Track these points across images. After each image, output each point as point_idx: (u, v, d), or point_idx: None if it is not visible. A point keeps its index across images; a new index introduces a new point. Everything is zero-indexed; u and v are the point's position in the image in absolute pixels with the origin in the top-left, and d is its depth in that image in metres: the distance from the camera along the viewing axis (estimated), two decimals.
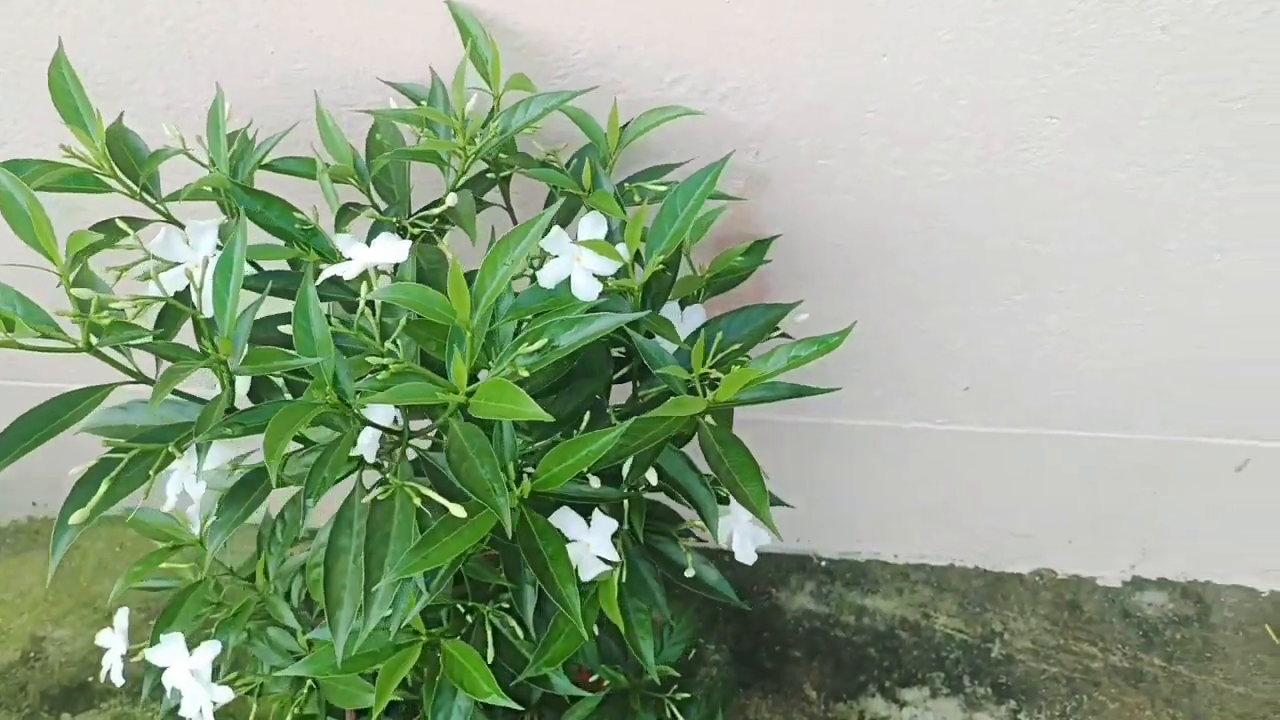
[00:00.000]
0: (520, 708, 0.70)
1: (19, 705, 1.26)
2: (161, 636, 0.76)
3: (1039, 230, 0.90)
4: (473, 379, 0.57)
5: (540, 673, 0.73)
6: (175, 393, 0.61)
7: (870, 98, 0.81)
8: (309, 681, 0.82)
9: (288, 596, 0.88)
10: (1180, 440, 1.09)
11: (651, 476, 0.72)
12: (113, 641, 0.84)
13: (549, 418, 0.52)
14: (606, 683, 0.96)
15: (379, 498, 0.60)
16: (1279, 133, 0.80)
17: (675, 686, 1.00)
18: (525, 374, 0.57)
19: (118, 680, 0.83)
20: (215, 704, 0.76)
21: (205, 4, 0.78)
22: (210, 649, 0.76)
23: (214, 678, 0.77)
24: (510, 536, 0.58)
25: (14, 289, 0.56)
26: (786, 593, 1.33)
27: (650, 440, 0.65)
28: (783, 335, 0.80)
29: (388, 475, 0.62)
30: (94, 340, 0.56)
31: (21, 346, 0.55)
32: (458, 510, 0.59)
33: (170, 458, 0.59)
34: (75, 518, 0.57)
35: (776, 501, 0.77)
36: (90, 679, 1.28)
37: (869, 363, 1.05)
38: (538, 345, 0.57)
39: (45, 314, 0.56)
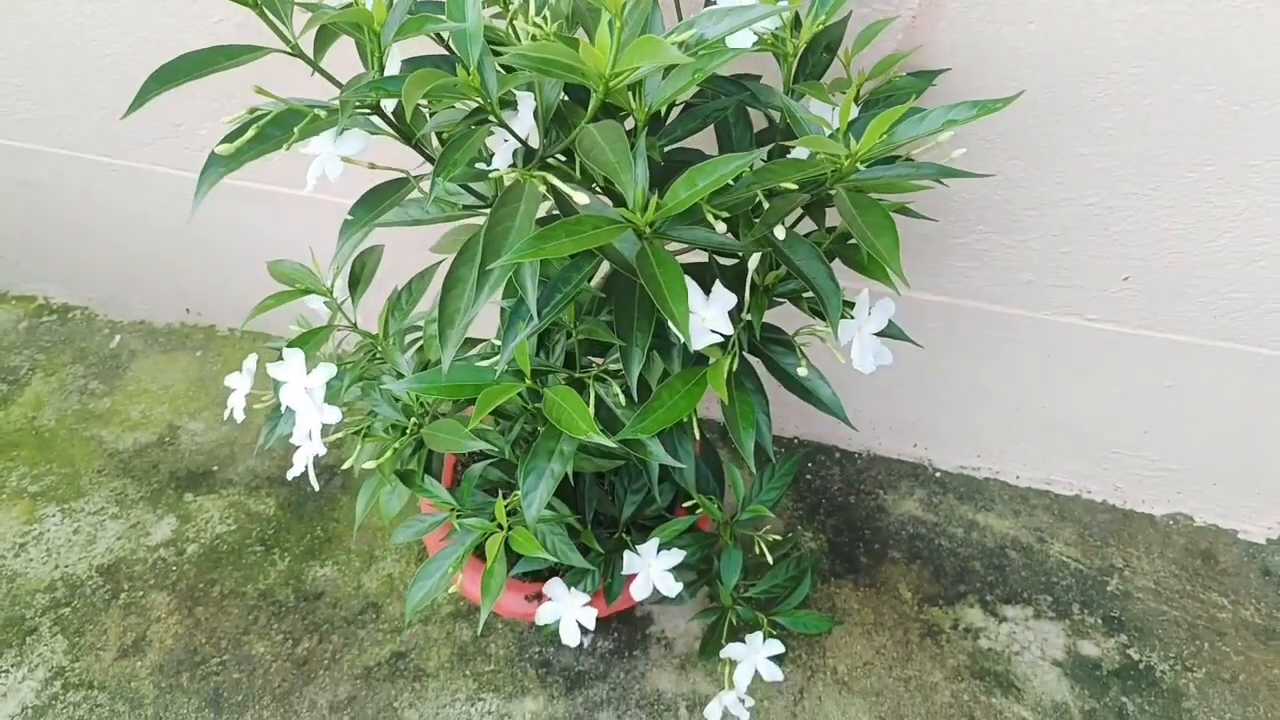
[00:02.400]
0: (612, 442, 0.69)
1: (150, 480, 1.34)
2: (285, 352, 0.78)
3: (1244, 90, 0.82)
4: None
5: (637, 436, 0.72)
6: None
7: None
8: (411, 427, 0.83)
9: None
10: None
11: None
12: (239, 383, 0.88)
13: (683, 59, 0.50)
14: (700, 510, 0.94)
15: (506, 184, 0.60)
16: None
17: (768, 527, 0.97)
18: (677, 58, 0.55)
19: (239, 417, 0.87)
20: (326, 425, 0.78)
21: None
22: (326, 369, 0.78)
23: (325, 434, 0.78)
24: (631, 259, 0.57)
25: None
26: (894, 496, 1.28)
27: (780, 178, 0.62)
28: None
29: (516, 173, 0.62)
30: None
31: None
32: (581, 197, 0.58)
33: (317, 119, 0.61)
34: (222, 149, 0.59)
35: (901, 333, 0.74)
36: (215, 468, 1.36)
37: (1022, 234, 0.99)
38: (685, 35, 0.56)
39: None
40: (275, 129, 0.61)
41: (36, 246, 1.51)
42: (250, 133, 0.60)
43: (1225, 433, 1.11)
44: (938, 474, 1.30)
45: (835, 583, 1.20)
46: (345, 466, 0.85)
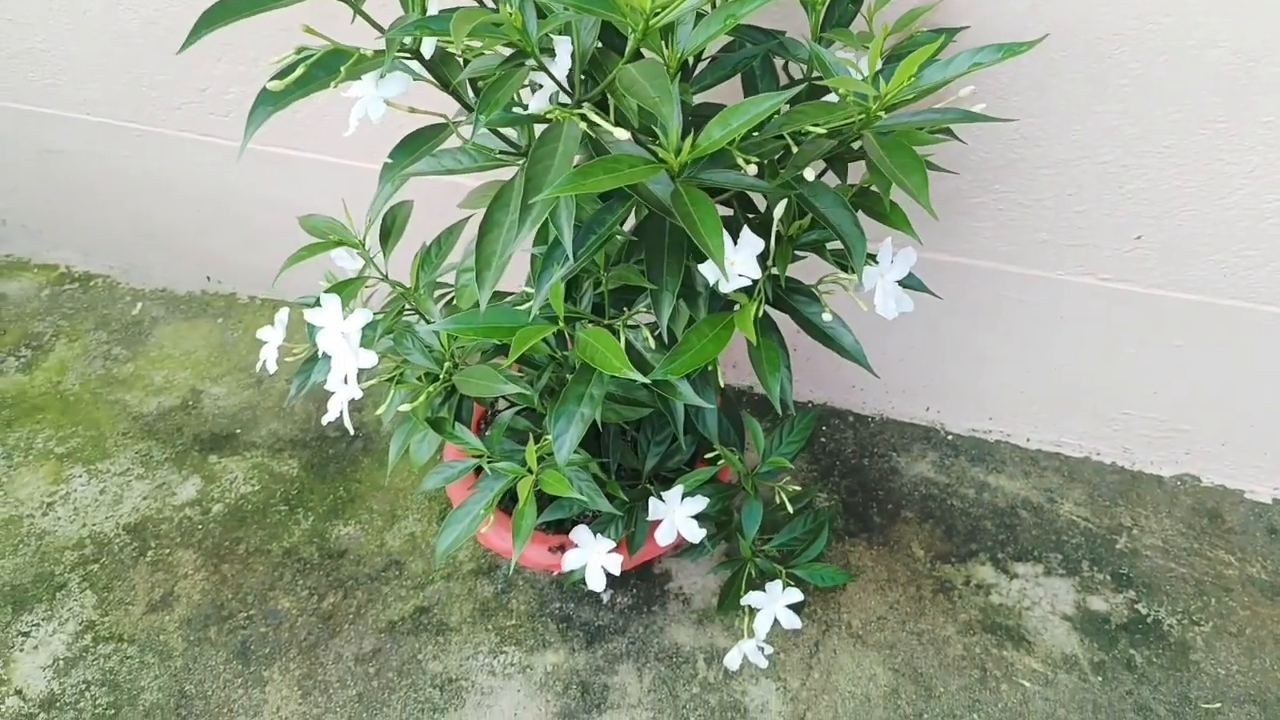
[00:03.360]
0: (645, 379, 0.71)
1: (174, 442, 1.37)
2: (321, 297, 0.80)
3: (1257, 42, 0.84)
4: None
5: (667, 377, 0.74)
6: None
7: None
8: (444, 374, 0.85)
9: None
10: None
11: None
12: (271, 336, 0.90)
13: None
14: (721, 462, 0.96)
15: (547, 120, 0.62)
16: None
17: (787, 479, 1.00)
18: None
19: (271, 368, 0.89)
20: (361, 369, 0.80)
21: None
22: (362, 315, 0.80)
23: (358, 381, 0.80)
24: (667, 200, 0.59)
25: None
26: (907, 459, 1.31)
27: (811, 119, 0.64)
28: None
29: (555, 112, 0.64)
30: None
31: None
32: (621, 133, 0.60)
33: (363, 58, 0.63)
34: (272, 85, 0.61)
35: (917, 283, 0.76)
36: (237, 431, 1.38)
37: (1037, 192, 1.01)
38: None
39: None
40: (320, 70, 0.63)
41: (58, 215, 1.53)
42: (298, 71, 0.62)
43: (1233, 393, 1.13)
44: (949, 437, 1.32)
45: (849, 541, 1.22)
46: (379, 412, 0.87)
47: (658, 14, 0.57)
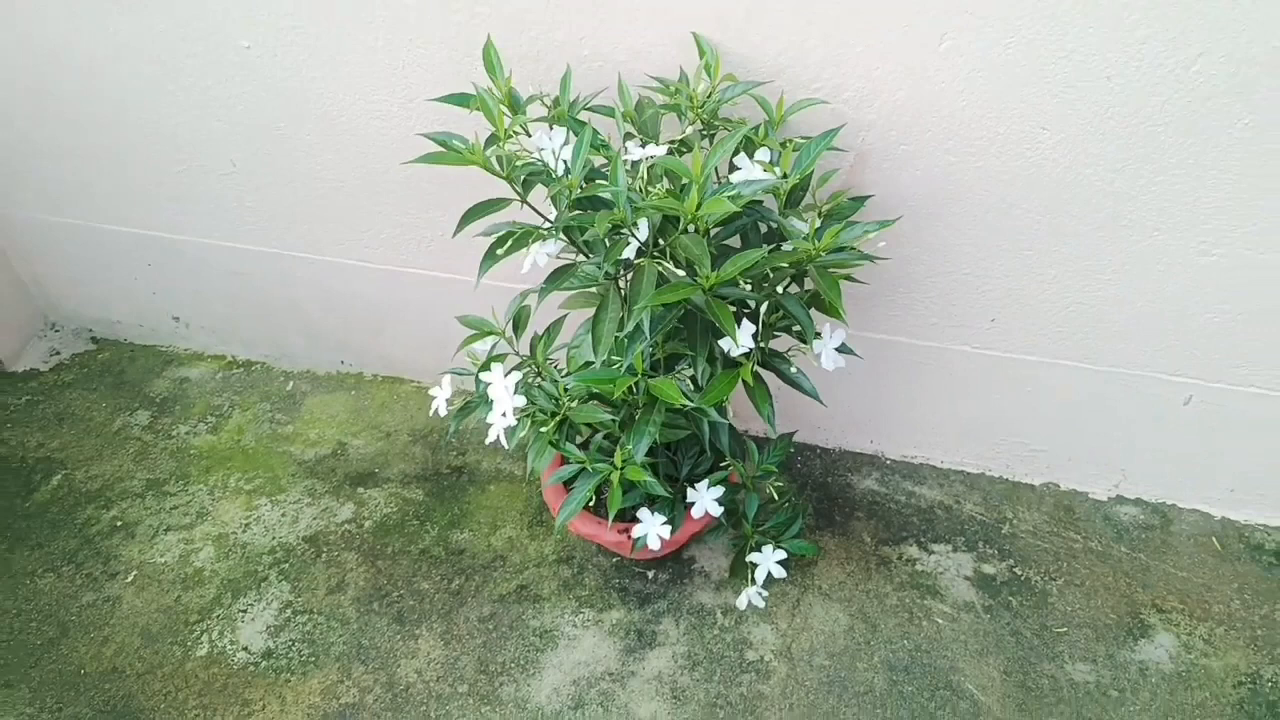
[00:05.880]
0: (691, 404, 1.25)
1: (330, 479, 1.89)
2: (492, 363, 1.35)
3: (1045, 208, 1.42)
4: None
5: (702, 405, 1.28)
6: (539, 214, 1.20)
7: (936, 109, 1.36)
8: (563, 413, 1.39)
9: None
10: (1135, 374, 1.57)
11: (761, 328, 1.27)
12: (440, 393, 1.44)
13: (733, 208, 1.08)
14: (731, 468, 1.50)
15: (636, 266, 1.17)
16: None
17: (775, 476, 1.53)
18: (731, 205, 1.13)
19: (442, 412, 1.43)
20: (516, 409, 1.33)
21: (558, 28, 1.41)
22: (515, 374, 1.34)
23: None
24: (702, 304, 1.15)
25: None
26: (858, 478, 1.84)
27: (778, 263, 1.21)
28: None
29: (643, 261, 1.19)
30: (508, 172, 1.16)
31: (483, 164, 1.15)
32: (680, 273, 1.16)
33: (542, 236, 1.18)
34: (500, 250, 1.16)
35: (847, 350, 1.32)
36: (376, 470, 1.90)
37: (926, 293, 1.58)
38: (730, 193, 1.14)
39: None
40: (516, 242, 1.19)
41: (229, 318, 2.07)
42: (510, 242, 1.18)
43: (1071, 424, 1.68)
44: (888, 461, 1.86)
45: (819, 533, 1.75)
46: (521, 436, 1.40)
47: (700, 216, 1.14)
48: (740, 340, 1.22)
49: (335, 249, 1.86)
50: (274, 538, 1.79)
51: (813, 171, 1.29)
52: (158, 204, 1.85)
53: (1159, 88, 1.26)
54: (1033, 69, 1.27)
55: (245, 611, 1.67)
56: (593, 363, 1.25)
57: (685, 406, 1.26)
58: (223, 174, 1.76)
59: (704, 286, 1.18)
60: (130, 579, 1.72)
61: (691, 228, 1.17)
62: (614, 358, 1.41)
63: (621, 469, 1.37)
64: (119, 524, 1.81)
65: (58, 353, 2.16)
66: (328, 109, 1.57)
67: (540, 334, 1.47)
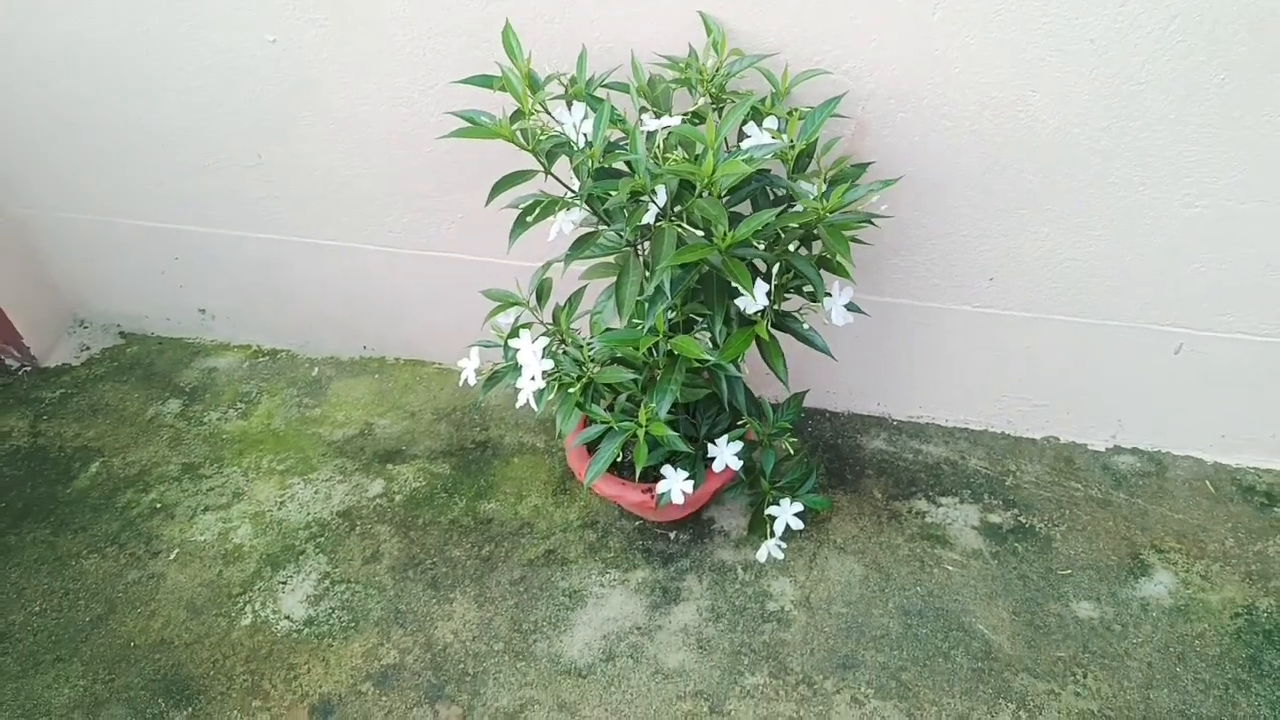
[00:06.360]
0: (710, 360, 1.33)
1: (359, 458, 1.96)
2: (520, 331, 1.42)
3: (1037, 168, 1.50)
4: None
5: (720, 361, 1.36)
6: (563, 185, 1.28)
7: (931, 78, 1.44)
8: (588, 376, 1.47)
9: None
10: (1128, 326, 1.65)
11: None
12: (469, 363, 1.52)
13: (748, 170, 1.16)
14: (749, 427, 1.58)
15: (656, 229, 1.25)
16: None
17: (790, 433, 1.61)
18: (746, 167, 1.21)
19: (471, 381, 1.50)
20: (544, 371, 1.41)
21: (570, 13, 1.49)
22: (543, 340, 1.42)
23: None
24: (720, 263, 1.23)
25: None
26: (867, 438, 1.92)
27: (790, 222, 1.28)
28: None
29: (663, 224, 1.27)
30: (533, 145, 1.24)
31: (509, 137, 1.23)
32: (698, 234, 1.23)
33: (566, 204, 1.26)
34: (529, 218, 1.24)
35: (855, 307, 1.40)
36: (403, 448, 1.98)
37: (927, 255, 1.66)
38: (744, 157, 1.22)
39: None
40: (543, 211, 1.27)
41: (254, 308, 2.15)
42: (538, 209, 1.25)
43: (1069, 378, 1.76)
44: (895, 422, 1.94)
45: (831, 491, 1.83)
46: (550, 399, 1.48)
47: (715, 180, 1.21)
48: (756, 296, 1.29)
49: (358, 235, 1.93)
50: (309, 514, 1.86)
51: (817, 139, 1.37)
52: (185, 199, 1.92)
53: (1139, 48, 1.34)
54: (1020, 35, 1.35)
55: (285, 583, 1.75)
56: (616, 327, 1.33)
57: (705, 362, 1.34)
58: (248, 166, 1.83)
59: (720, 246, 1.26)
60: (173, 556, 1.79)
61: (707, 193, 1.24)
62: (635, 320, 1.49)
63: (646, 426, 1.45)
64: (158, 506, 1.88)
65: (88, 348, 2.23)
66: (350, 97, 1.65)
67: (562, 304, 1.55)
